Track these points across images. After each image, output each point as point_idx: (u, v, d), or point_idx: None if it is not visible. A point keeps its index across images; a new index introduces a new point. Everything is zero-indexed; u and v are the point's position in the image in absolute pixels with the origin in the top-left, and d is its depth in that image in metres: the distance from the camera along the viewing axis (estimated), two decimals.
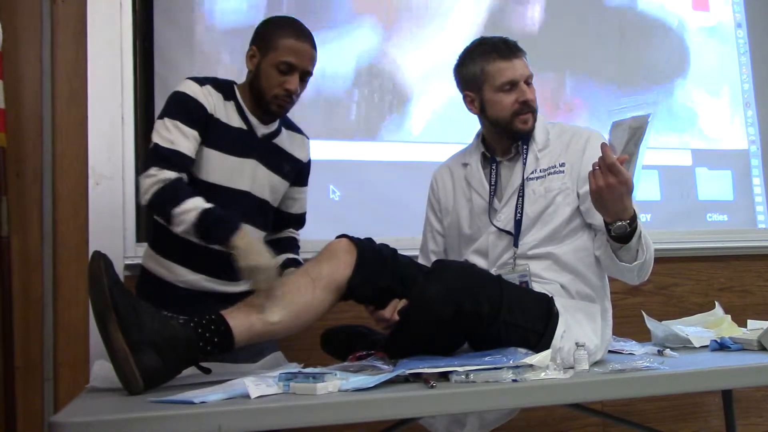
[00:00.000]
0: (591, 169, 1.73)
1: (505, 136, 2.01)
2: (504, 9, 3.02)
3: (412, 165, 2.81)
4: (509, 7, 3.02)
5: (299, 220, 2.23)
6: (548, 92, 2.98)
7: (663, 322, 2.30)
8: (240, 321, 1.63)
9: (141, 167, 1.87)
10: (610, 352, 1.99)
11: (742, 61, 3.34)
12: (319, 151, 2.42)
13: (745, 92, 3.32)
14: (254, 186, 2.02)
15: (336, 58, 2.77)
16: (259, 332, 1.67)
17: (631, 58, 3.16)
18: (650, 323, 2.30)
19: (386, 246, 1.84)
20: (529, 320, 1.74)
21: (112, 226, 2.43)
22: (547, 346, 1.70)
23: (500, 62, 1.96)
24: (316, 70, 2.01)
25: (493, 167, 2.03)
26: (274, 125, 2.06)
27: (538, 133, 2.01)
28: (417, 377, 1.53)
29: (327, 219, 2.62)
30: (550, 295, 1.84)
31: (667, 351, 2.00)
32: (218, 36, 2.68)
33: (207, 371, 1.65)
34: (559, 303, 1.82)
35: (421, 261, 2.12)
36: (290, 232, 2.22)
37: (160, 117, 1.91)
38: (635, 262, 1.79)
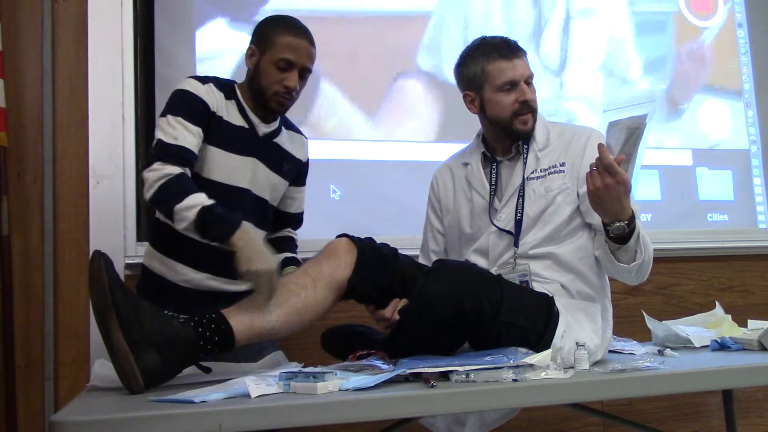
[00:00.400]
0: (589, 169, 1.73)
1: (505, 135, 2.01)
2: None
3: (412, 164, 2.80)
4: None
5: (297, 220, 2.23)
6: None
7: (663, 321, 2.30)
8: (240, 320, 1.63)
9: (144, 163, 1.87)
10: (610, 351, 1.99)
11: (743, 61, 3.34)
12: (319, 150, 2.42)
13: (746, 92, 3.32)
14: (254, 184, 2.02)
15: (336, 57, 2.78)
16: (260, 331, 1.67)
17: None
18: (651, 323, 2.30)
19: (386, 245, 1.85)
20: (530, 320, 1.74)
21: (112, 225, 2.43)
22: (547, 346, 1.70)
23: (501, 62, 1.96)
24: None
25: (494, 167, 2.03)
26: (275, 124, 2.06)
27: (539, 133, 2.01)
28: (417, 377, 1.53)
29: (327, 218, 2.62)
30: (551, 295, 1.84)
31: (668, 351, 2.00)
32: (219, 35, 2.68)
33: (207, 370, 1.65)
34: (560, 303, 1.82)
35: (421, 260, 2.12)
36: (288, 232, 2.23)
37: (163, 114, 1.90)
38: (633, 263, 1.79)
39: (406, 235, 2.50)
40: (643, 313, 2.34)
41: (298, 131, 2.18)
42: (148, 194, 1.81)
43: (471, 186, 2.05)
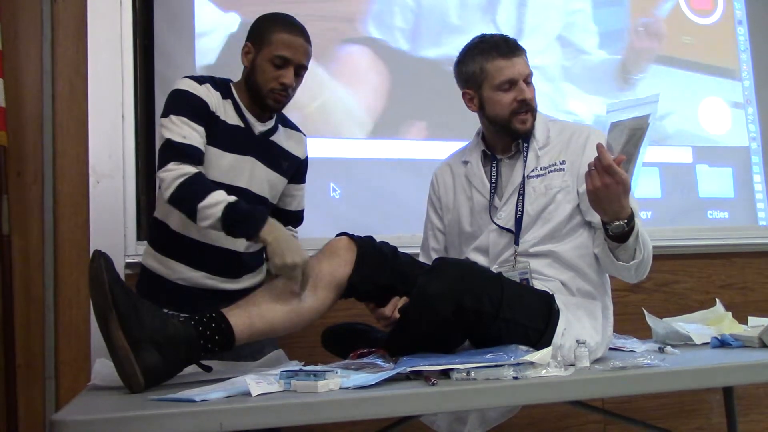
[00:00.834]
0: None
1: (504, 134, 2.00)
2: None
3: (412, 163, 2.80)
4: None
5: (297, 218, 2.23)
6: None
7: (664, 319, 2.31)
8: (240, 319, 1.64)
9: (157, 163, 1.85)
10: (610, 349, 1.99)
11: (743, 59, 3.34)
12: (319, 148, 2.41)
13: (746, 89, 3.32)
14: (252, 183, 2.01)
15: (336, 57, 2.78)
16: (260, 330, 1.67)
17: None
18: (651, 320, 2.30)
19: (387, 244, 1.85)
20: (530, 317, 1.74)
21: (112, 224, 2.43)
22: (547, 344, 1.70)
23: (500, 60, 1.95)
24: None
25: (494, 165, 2.03)
26: (271, 123, 2.06)
27: (539, 131, 2.00)
28: (418, 375, 1.53)
29: (327, 217, 2.62)
30: (551, 293, 1.84)
31: (668, 348, 2.00)
32: (219, 35, 2.67)
33: (208, 369, 1.65)
34: (560, 300, 1.82)
35: (421, 259, 2.12)
36: (288, 230, 2.22)
37: (166, 115, 1.90)
38: (633, 261, 1.79)
39: (406, 233, 2.50)
40: (644, 310, 2.34)
41: (297, 128, 2.17)
42: (167, 193, 1.81)
43: (471, 184, 2.05)
